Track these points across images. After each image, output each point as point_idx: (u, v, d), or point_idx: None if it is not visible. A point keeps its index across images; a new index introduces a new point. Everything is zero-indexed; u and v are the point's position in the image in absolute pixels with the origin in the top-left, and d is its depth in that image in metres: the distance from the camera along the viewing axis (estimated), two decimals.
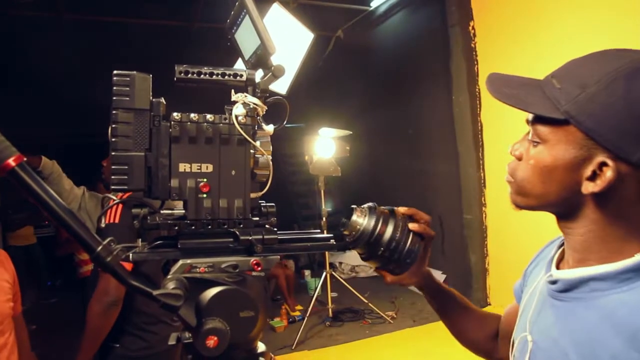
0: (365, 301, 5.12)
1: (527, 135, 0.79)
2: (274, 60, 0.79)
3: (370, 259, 0.95)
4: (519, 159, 0.79)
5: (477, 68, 5.03)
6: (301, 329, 4.62)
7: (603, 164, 0.67)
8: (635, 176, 0.67)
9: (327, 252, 5.17)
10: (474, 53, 5.04)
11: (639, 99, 0.65)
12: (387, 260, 0.93)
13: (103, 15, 6.24)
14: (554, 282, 0.79)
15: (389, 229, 0.91)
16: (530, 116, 0.76)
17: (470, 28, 5.04)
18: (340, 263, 7.09)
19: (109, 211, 1.77)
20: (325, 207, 5.08)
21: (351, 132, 5.31)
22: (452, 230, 5.55)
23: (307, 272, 6.41)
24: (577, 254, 0.77)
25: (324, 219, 5.03)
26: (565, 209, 0.76)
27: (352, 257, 7.07)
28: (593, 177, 0.69)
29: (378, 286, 6.23)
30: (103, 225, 1.75)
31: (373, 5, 6.63)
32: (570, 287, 0.75)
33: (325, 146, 5.04)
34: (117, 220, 1.79)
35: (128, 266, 1.64)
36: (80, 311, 1.74)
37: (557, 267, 0.82)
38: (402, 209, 0.96)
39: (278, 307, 5.34)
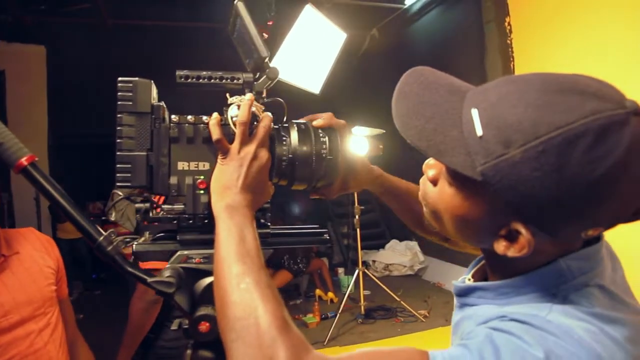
0: (398, 299, 5.11)
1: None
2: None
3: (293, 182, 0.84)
4: (434, 183, 0.70)
5: (513, 65, 4.91)
6: (333, 325, 4.65)
7: (518, 232, 0.59)
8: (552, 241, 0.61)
9: (360, 250, 5.21)
10: (510, 50, 4.92)
11: (571, 177, 0.52)
12: (303, 172, 0.82)
13: (145, 19, 6.48)
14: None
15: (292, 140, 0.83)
16: None
17: (507, 24, 4.92)
18: (374, 261, 7.10)
19: None
20: (359, 205, 5.09)
21: (384, 131, 5.30)
22: None
23: (340, 270, 6.44)
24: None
25: (356, 217, 5.05)
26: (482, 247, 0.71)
27: (385, 255, 7.08)
28: (509, 236, 0.61)
29: (411, 285, 6.22)
30: (113, 218, 1.84)
31: (407, 2, 6.58)
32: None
33: (358, 145, 5.05)
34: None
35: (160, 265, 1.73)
36: (122, 304, 1.83)
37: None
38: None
39: (311, 303, 5.40)
